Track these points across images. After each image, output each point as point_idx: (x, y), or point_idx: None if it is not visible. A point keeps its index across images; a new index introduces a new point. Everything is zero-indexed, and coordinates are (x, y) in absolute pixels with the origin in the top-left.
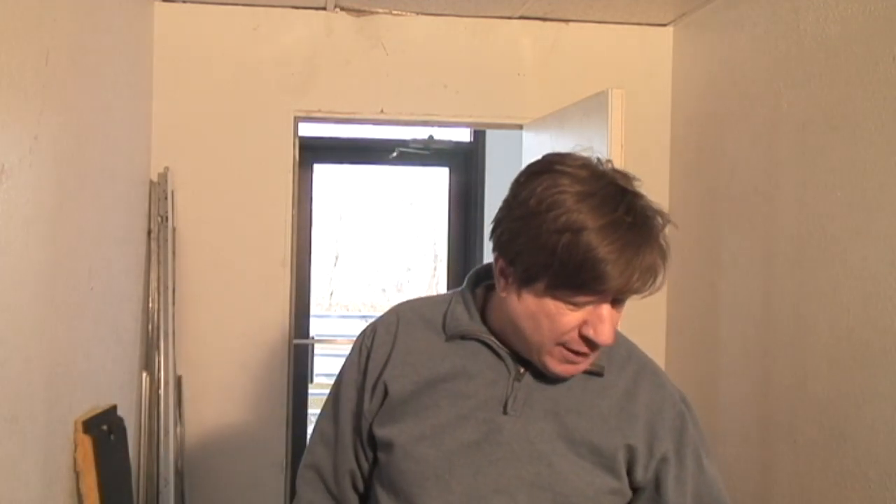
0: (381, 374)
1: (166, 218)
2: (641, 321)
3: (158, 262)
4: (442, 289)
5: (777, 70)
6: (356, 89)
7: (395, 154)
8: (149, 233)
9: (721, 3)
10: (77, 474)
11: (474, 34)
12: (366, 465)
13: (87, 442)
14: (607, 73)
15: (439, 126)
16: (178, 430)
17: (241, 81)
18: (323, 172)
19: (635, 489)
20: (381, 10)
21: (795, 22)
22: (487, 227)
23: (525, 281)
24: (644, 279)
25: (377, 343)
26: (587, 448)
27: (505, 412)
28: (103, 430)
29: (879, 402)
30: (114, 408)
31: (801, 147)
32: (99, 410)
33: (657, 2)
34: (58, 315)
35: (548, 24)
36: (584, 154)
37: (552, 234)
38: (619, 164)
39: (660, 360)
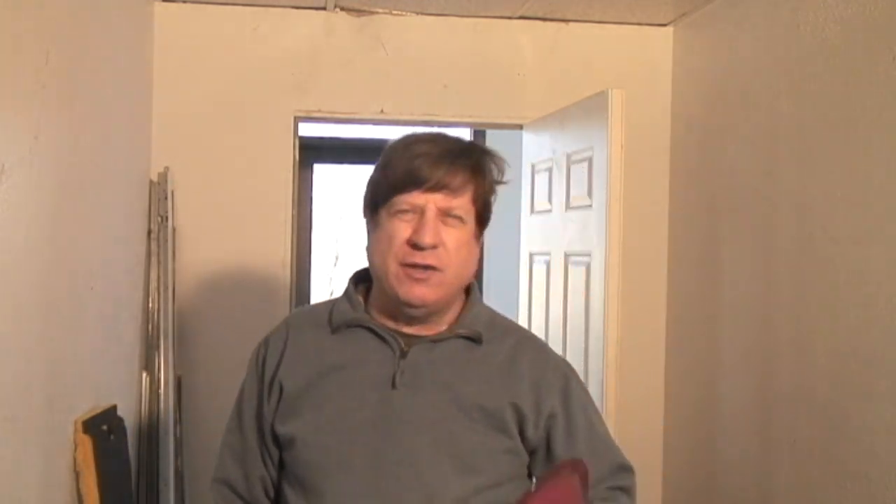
0: (275, 375)
1: (166, 218)
2: (642, 321)
3: (158, 262)
4: None
5: (777, 70)
6: (356, 89)
7: None
8: (149, 233)
9: (721, 3)
10: (77, 474)
11: (474, 34)
12: (274, 472)
13: (87, 442)
14: (607, 73)
15: (439, 126)
16: (178, 430)
17: (241, 81)
18: (323, 172)
19: (532, 452)
20: (381, 10)
21: (795, 22)
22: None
23: (373, 212)
24: (451, 174)
25: (270, 351)
26: (477, 411)
27: (394, 387)
28: (103, 430)
29: (879, 402)
30: (114, 408)
31: (800, 147)
32: (99, 410)
33: (657, 2)
34: (58, 315)
35: (548, 24)
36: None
37: (382, 159)
38: (618, 164)
39: (660, 360)
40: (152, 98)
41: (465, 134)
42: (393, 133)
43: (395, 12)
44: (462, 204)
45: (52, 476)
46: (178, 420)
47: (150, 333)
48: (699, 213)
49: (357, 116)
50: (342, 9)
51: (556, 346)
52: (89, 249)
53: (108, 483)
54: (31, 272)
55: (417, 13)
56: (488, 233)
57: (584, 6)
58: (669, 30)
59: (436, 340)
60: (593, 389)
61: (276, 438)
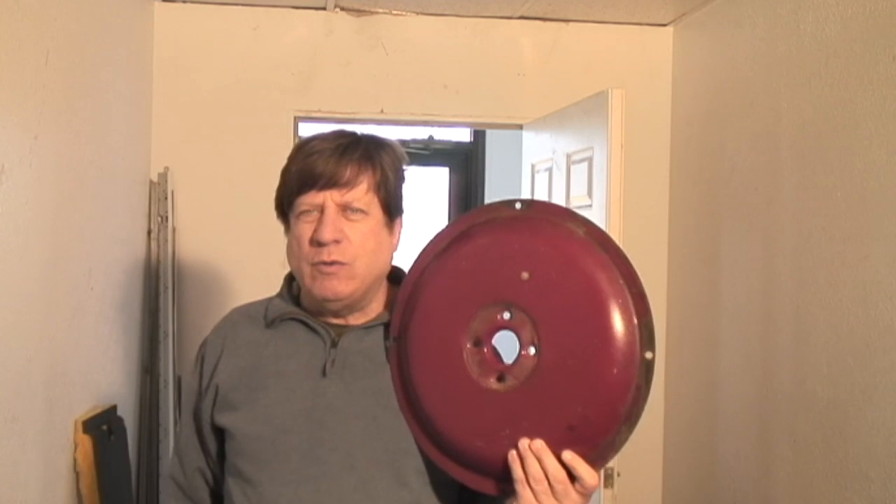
0: (214, 373)
1: (166, 218)
2: None
3: (158, 262)
4: None
5: (777, 70)
6: (356, 89)
7: None
8: (149, 233)
9: (721, 3)
10: (77, 474)
11: (474, 34)
12: (214, 464)
13: (87, 442)
14: (607, 73)
15: (439, 126)
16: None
17: (241, 81)
18: None
19: None
20: (381, 10)
21: (795, 22)
22: None
23: (284, 215)
24: (341, 169)
25: (209, 349)
26: None
27: (324, 375)
28: (103, 430)
29: (879, 402)
30: (114, 408)
31: (800, 147)
32: (99, 410)
33: (657, 2)
34: (58, 315)
35: (548, 24)
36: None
37: (286, 163)
38: (618, 164)
39: (660, 359)
40: (152, 98)
41: (465, 134)
42: (393, 133)
43: (395, 12)
44: (359, 196)
45: (52, 476)
46: (178, 420)
47: (150, 333)
48: (699, 212)
49: (357, 116)
50: (342, 9)
51: None
52: (89, 249)
53: (108, 483)
54: (31, 272)
55: (417, 13)
56: None
57: (584, 6)
58: (669, 30)
59: (367, 328)
60: None
61: (216, 431)
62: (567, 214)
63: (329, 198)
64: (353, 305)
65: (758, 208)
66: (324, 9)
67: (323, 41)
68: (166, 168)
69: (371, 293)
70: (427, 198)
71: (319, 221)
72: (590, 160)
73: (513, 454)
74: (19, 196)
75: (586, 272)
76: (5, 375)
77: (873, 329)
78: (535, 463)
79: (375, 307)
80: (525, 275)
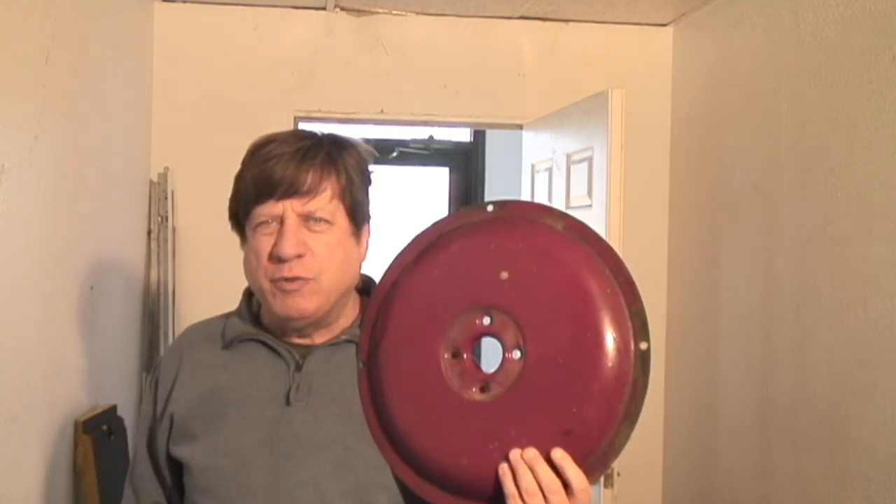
0: (168, 399)
1: (166, 218)
2: None
3: (158, 262)
4: None
5: (777, 70)
6: (356, 89)
7: (395, 154)
8: (149, 233)
9: (721, 3)
10: (77, 474)
11: (474, 34)
12: (174, 500)
13: (87, 442)
14: (607, 73)
15: (439, 126)
16: None
17: (241, 81)
18: None
19: None
20: (381, 10)
21: (795, 22)
22: None
23: (239, 226)
24: (302, 175)
25: (163, 371)
26: None
27: (288, 403)
28: (103, 430)
29: (879, 402)
30: (114, 408)
31: (800, 147)
32: (99, 410)
33: (657, 2)
34: (58, 315)
35: (548, 24)
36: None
37: (240, 167)
38: (618, 163)
39: (660, 360)
40: (152, 98)
41: (465, 134)
42: (392, 133)
43: (395, 12)
44: (322, 205)
45: (52, 476)
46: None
47: (150, 333)
48: (699, 212)
49: (357, 116)
50: (342, 9)
51: None
52: (89, 249)
53: (108, 483)
54: (31, 272)
55: (417, 13)
56: None
57: (584, 6)
58: (669, 30)
59: (333, 345)
60: None
61: (172, 462)
62: (543, 211)
63: (289, 208)
64: (318, 322)
65: (758, 208)
66: (324, 9)
67: (323, 41)
68: (166, 168)
69: (339, 308)
70: (427, 198)
71: (279, 234)
72: (590, 160)
73: (503, 467)
74: (19, 196)
75: (569, 265)
76: (5, 375)
77: (873, 329)
78: (528, 474)
79: (343, 322)
80: (504, 274)
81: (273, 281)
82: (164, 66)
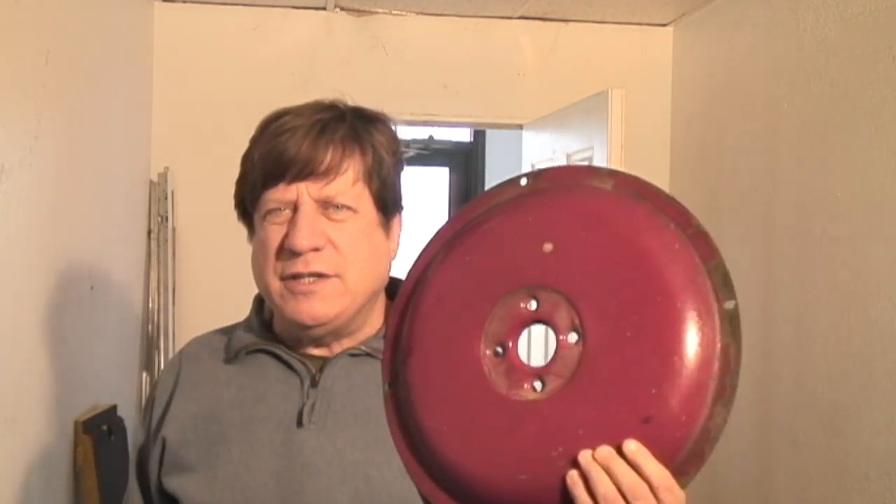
0: (162, 421)
1: (166, 218)
2: None
3: (158, 262)
4: None
5: (777, 70)
6: (356, 89)
7: None
8: (149, 233)
9: (721, 3)
10: (77, 474)
11: (474, 34)
12: None
13: (87, 442)
14: (607, 73)
15: (439, 126)
16: None
17: (241, 81)
18: None
19: None
20: (381, 10)
21: (795, 22)
22: None
23: (246, 216)
24: (321, 153)
25: (160, 391)
26: None
27: (300, 424)
28: (103, 430)
29: (879, 402)
30: (114, 408)
31: (800, 147)
32: (99, 410)
33: (657, 2)
34: (58, 315)
35: (548, 24)
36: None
37: (248, 146)
38: (619, 164)
39: None
40: (152, 98)
41: (465, 134)
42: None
43: (395, 12)
44: (343, 188)
45: (52, 476)
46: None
47: (150, 333)
48: (699, 212)
49: None
50: (342, 9)
51: None
52: (89, 249)
53: (108, 483)
54: (31, 272)
55: (417, 13)
56: None
57: (584, 6)
58: (669, 30)
59: (353, 355)
60: None
61: (165, 498)
62: (586, 173)
63: (305, 192)
64: (339, 331)
65: (758, 208)
66: (324, 9)
67: (323, 41)
68: (166, 168)
69: (364, 314)
70: (427, 198)
71: (292, 223)
72: (590, 160)
73: (572, 475)
74: (19, 196)
75: (624, 224)
76: (5, 376)
77: (873, 329)
78: (605, 477)
79: (368, 331)
80: (548, 246)
81: (284, 279)
82: (164, 66)
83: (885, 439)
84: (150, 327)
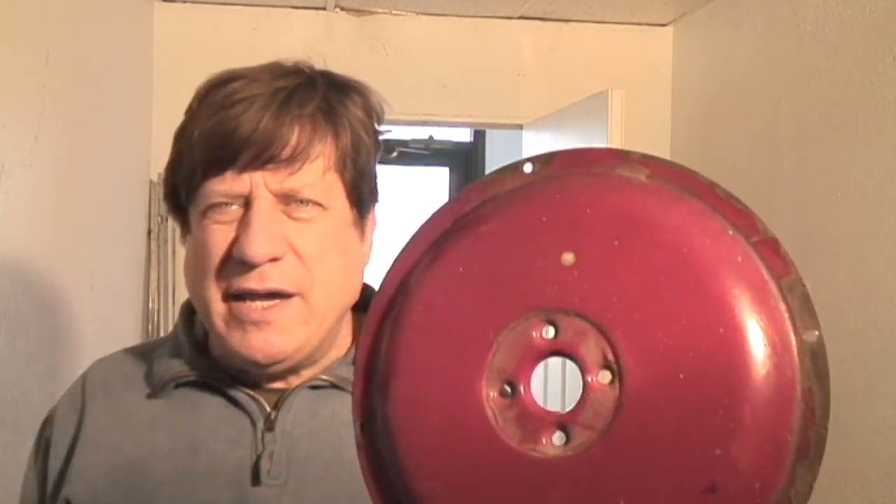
0: (63, 479)
1: (166, 218)
2: None
3: (158, 262)
4: None
5: (777, 70)
6: None
7: (394, 154)
8: (149, 233)
9: (721, 3)
10: None
11: (474, 34)
12: None
13: None
14: (607, 73)
15: (439, 126)
16: None
17: None
18: None
19: None
20: (381, 10)
21: (795, 22)
22: None
23: (179, 209)
24: (284, 130)
25: (57, 432)
26: None
27: (257, 482)
28: None
29: (878, 402)
30: None
31: (800, 147)
32: None
33: (657, 2)
34: (58, 315)
35: (548, 24)
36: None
37: (184, 119)
38: None
39: None
40: (152, 98)
41: (465, 134)
42: (392, 133)
43: (395, 12)
44: (312, 179)
45: None
46: None
47: (150, 333)
48: None
49: None
50: (342, 9)
51: None
52: (89, 249)
53: None
54: (31, 272)
55: (417, 13)
56: None
57: (584, 6)
58: (669, 30)
59: (314, 387)
60: None
61: None
62: (613, 157)
63: (261, 183)
64: (300, 364)
65: (758, 208)
66: (324, 9)
67: (323, 41)
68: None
69: (331, 338)
70: (427, 198)
71: (243, 224)
72: None
73: None
74: (19, 196)
75: (668, 228)
76: (5, 377)
77: (873, 329)
78: None
79: (335, 354)
80: (568, 257)
81: (231, 299)
82: (164, 66)
83: (885, 439)
84: (150, 327)
